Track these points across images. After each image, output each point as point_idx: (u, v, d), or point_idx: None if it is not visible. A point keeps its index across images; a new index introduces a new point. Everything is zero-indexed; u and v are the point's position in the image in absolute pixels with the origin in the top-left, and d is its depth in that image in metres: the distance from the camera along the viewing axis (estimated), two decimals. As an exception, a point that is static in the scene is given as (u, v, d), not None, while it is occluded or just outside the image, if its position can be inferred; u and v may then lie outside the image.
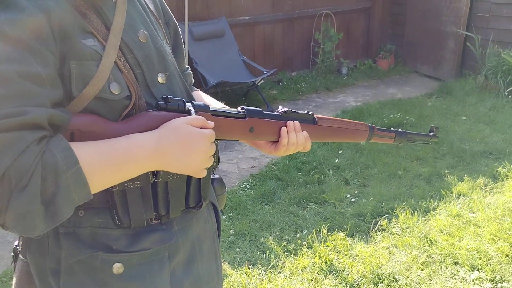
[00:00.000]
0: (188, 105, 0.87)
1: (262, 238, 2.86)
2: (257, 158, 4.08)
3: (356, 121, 1.21)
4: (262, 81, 5.33)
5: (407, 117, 4.72)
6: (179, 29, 1.13)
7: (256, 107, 1.04)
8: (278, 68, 5.84)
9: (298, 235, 2.90)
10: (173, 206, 0.91)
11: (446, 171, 3.61)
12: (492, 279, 2.44)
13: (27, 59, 0.70)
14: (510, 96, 5.09)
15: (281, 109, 1.07)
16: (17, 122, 0.66)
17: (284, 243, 2.80)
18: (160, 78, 0.92)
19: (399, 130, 1.32)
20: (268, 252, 2.73)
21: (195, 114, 0.86)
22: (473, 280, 2.44)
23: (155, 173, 0.87)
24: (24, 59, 0.70)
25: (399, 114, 4.79)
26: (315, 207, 3.22)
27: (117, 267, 0.86)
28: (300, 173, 3.69)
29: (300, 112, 1.09)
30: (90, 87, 0.79)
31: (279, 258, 2.68)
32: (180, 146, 0.81)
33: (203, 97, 1.16)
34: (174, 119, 0.83)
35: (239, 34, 5.75)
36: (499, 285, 2.40)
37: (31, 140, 0.67)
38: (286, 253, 2.73)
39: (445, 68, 6.14)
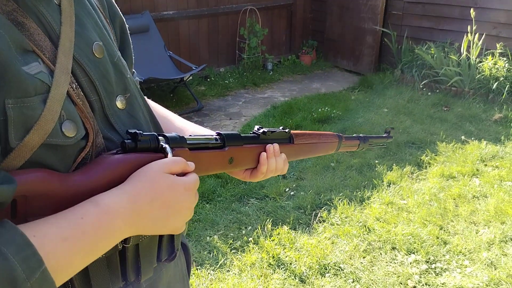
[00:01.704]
0: (161, 140, 0.70)
1: (208, 238, 2.82)
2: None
3: (326, 132, 1.12)
4: (191, 77, 5.25)
5: (334, 111, 4.90)
6: (126, 26, 0.89)
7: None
8: (206, 64, 5.78)
9: (243, 231, 2.90)
10: (145, 268, 0.74)
11: (376, 161, 3.80)
12: (427, 260, 2.61)
13: None
14: (424, 89, 5.48)
15: (258, 129, 0.93)
16: None
17: (230, 241, 2.79)
18: (120, 103, 0.73)
19: (360, 135, 1.24)
20: (215, 251, 2.70)
21: (171, 153, 0.69)
22: (410, 263, 2.60)
23: (123, 239, 0.68)
24: None
25: (326, 108, 4.96)
26: (256, 202, 3.24)
27: None
28: (237, 170, 3.68)
29: (277, 130, 0.96)
30: (35, 132, 0.57)
31: (226, 256, 2.67)
32: (161, 206, 0.64)
33: (158, 110, 0.97)
34: (147, 165, 0.65)
35: (164, 29, 5.61)
36: (433, 265, 2.58)
37: None
38: (233, 250, 2.72)
39: (364, 63, 6.46)
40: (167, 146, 0.69)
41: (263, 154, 0.91)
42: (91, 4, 0.76)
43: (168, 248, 0.79)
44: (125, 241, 0.69)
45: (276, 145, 0.93)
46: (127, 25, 0.89)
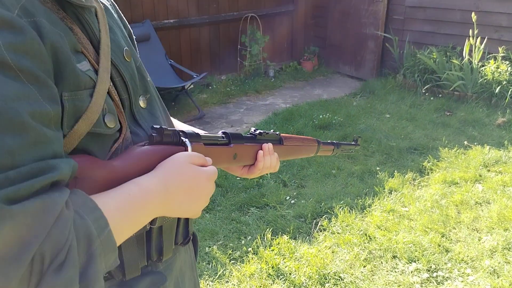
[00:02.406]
0: (182, 136, 0.80)
1: (207, 248, 2.80)
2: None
3: (307, 137, 1.26)
4: (192, 85, 5.25)
5: (335, 117, 4.87)
6: (134, 37, 1.00)
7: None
8: (207, 72, 5.79)
9: (242, 241, 2.88)
10: (166, 248, 0.84)
11: (377, 168, 3.77)
12: (428, 269, 2.58)
13: (34, 95, 0.56)
14: (427, 94, 5.45)
15: (254, 130, 1.06)
16: (44, 182, 0.53)
17: (230, 251, 2.77)
18: (142, 102, 0.83)
19: (334, 142, 1.41)
20: (214, 262, 2.68)
21: (191, 146, 0.79)
22: (411, 272, 2.56)
23: (151, 220, 0.78)
24: (31, 94, 0.56)
25: (327, 114, 4.94)
26: (256, 211, 3.22)
27: None
28: (238, 178, 3.67)
29: (270, 132, 1.09)
30: (83, 121, 0.66)
31: (225, 267, 2.65)
32: (186, 191, 0.73)
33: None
34: (175, 155, 0.75)
35: (165, 38, 5.63)
36: (434, 274, 2.54)
37: (62, 204, 0.54)
38: (232, 261, 2.70)
39: (366, 68, 6.44)
40: (187, 140, 0.79)
41: (260, 152, 1.03)
42: (118, 16, 0.88)
43: (183, 232, 0.90)
44: (152, 222, 0.79)
45: (270, 144, 1.06)
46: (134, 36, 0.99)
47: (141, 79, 0.84)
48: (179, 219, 0.87)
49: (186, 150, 0.78)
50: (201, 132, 1.01)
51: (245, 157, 1.01)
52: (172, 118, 1.07)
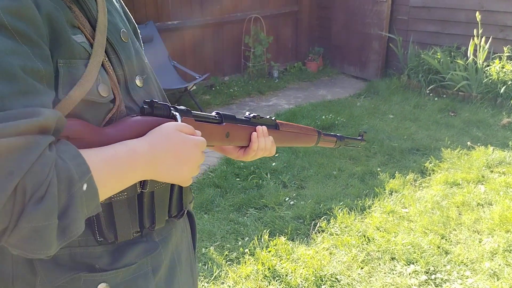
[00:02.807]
0: (173, 110, 0.84)
1: (203, 249, 2.79)
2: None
3: (307, 126, 1.28)
4: (194, 86, 5.26)
5: (338, 118, 4.84)
6: (139, 31, 1.06)
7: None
8: (210, 73, 5.78)
9: (239, 242, 2.86)
10: (158, 217, 0.87)
11: (378, 169, 3.74)
12: (427, 271, 2.54)
13: (26, 53, 0.63)
14: (431, 94, 5.39)
15: (249, 114, 1.09)
16: (30, 124, 0.58)
17: (226, 252, 2.75)
18: (138, 81, 0.88)
19: (337, 134, 1.42)
20: (210, 263, 2.67)
21: (180, 119, 0.84)
22: (409, 274, 2.53)
23: (142, 183, 0.82)
24: (24, 52, 0.62)
25: (330, 115, 4.91)
26: (255, 212, 3.20)
27: None
28: (238, 179, 3.66)
29: (265, 117, 1.12)
30: (78, 88, 0.72)
31: (221, 268, 2.63)
32: (173, 155, 0.78)
33: None
34: (164, 124, 0.79)
35: (168, 39, 5.63)
36: (433, 276, 2.50)
37: (45, 145, 0.59)
38: (228, 262, 2.68)
39: (370, 69, 6.40)
40: (177, 113, 0.84)
41: (254, 133, 1.07)
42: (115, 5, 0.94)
43: (177, 205, 0.93)
44: (143, 186, 0.82)
45: (264, 127, 1.09)
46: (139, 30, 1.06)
47: (138, 60, 0.89)
48: (171, 190, 0.90)
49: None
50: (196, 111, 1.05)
51: (238, 137, 1.04)
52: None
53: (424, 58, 5.46)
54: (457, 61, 5.19)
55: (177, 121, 0.82)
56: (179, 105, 0.88)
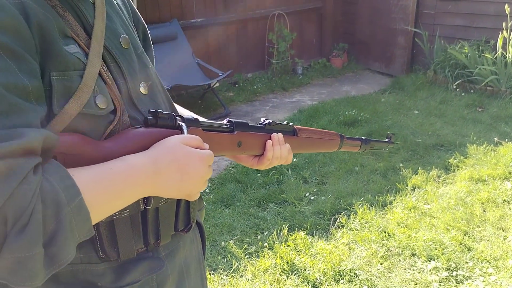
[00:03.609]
0: (179, 120, 0.80)
1: (223, 243, 2.82)
2: (215, 162, 4.04)
3: (328, 131, 1.21)
4: (218, 83, 5.30)
5: (361, 114, 4.80)
6: (148, 31, 1.04)
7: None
8: (233, 70, 5.81)
9: (259, 236, 2.88)
10: (164, 232, 0.84)
11: (401, 165, 3.69)
12: (448, 267, 2.50)
13: (11, 68, 0.59)
14: (458, 89, 5.28)
15: (264, 120, 1.04)
16: (10, 148, 0.55)
17: (245, 246, 2.78)
18: (143, 89, 0.83)
19: (363, 138, 1.36)
20: (229, 256, 2.70)
21: (187, 130, 0.79)
22: (430, 270, 2.50)
23: (145, 200, 0.79)
24: (8, 68, 0.59)
25: (353, 111, 4.87)
26: (275, 207, 3.22)
27: None
28: (259, 174, 3.68)
29: (282, 123, 1.07)
30: (74, 102, 0.69)
31: (240, 261, 2.66)
32: (177, 170, 0.73)
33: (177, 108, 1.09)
34: (169, 137, 0.75)
35: (192, 37, 5.69)
36: (454, 273, 2.46)
37: (28, 168, 0.56)
38: (247, 256, 2.71)
39: (396, 64, 6.30)
40: (183, 124, 0.79)
41: (269, 141, 1.02)
42: (119, 7, 0.90)
43: (184, 219, 0.89)
44: (147, 203, 0.79)
45: (280, 134, 1.04)
46: (148, 31, 1.03)
47: (142, 66, 0.85)
48: (178, 204, 0.86)
49: (183, 134, 0.78)
50: (204, 120, 1.01)
51: (251, 146, 0.99)
52: (179, 107, 1.06)
53: (451, 53, 5.34)
54: (486, 55, 5.06)
55: (183, 132, 0.78)
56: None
